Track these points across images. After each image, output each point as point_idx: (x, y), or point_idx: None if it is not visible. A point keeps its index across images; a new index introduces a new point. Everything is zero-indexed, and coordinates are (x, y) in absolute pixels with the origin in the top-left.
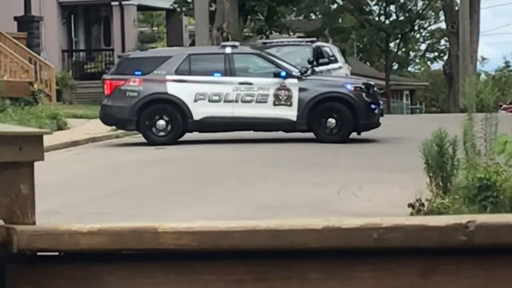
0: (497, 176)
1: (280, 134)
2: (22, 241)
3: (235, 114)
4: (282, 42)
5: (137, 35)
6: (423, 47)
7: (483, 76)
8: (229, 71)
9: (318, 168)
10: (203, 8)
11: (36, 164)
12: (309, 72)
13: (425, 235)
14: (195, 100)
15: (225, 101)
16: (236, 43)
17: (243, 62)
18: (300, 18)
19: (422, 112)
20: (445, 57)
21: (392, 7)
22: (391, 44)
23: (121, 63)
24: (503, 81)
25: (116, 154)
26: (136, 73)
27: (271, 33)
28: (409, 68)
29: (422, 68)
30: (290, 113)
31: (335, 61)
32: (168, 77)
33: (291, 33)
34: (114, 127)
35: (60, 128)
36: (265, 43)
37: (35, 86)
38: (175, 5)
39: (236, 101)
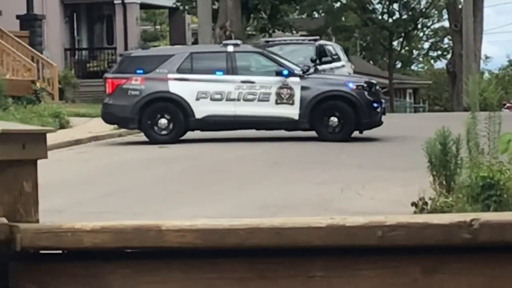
0: (501, 175)
1: (282, 132)
2: (25, 239)
3: (237, 113)
4: (285, 40)
5: (140, 33)
6: (426, 45)
7: (486, 75)
8: (231, 70)
9: (321, 167)
10: (206, 7)
11: (39, 162)
12: (311, 70)
13: (429, 233)
14: (197, 99)
15: (227, 100)
16: (238, 42)
17: (245, 61)
18: (303, 16)
19: (425, 110)
20: (449, 56)
21: (395, 6)
22: (394, 43)
23: (122, 62)
24: (506, 79)
25: (119, 153)
26: (138, 71)
27: (274, 31)
28: (412, 67)
29: (426, 67)
30: (292, 111)
31: (338, 59)
32: (170, 75)
33: (294, 32)
34: (116, 126)
35: (62, 126)
36: (268, 41)
37: (38, 84)
38: (178, 4)
39: (238, 100)
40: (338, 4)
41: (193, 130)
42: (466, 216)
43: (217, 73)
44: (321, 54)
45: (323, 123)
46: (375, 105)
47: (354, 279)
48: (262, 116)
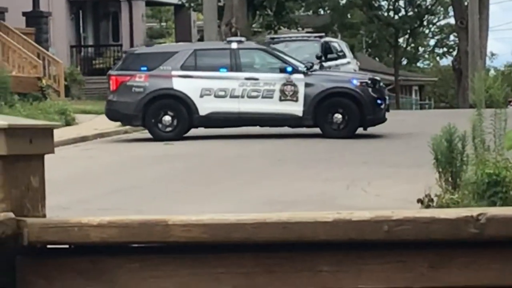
0: (507, 171)
1: (286, 129)
2: (32, 234)
3: (241, 110)
4: (291, 37)
5: (146, 30)
6: (432, 42)
7: (492, 72)
8: (235, 67)
9: (325, 164)
10: (212, 4)
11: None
12: (315, 67)
13: (435, 227)
14: (201, 96)
15: (231, 97)
16: (242, 39)
17: (249, 58)
18: (309, 13)
19: (431, 107)
20: (454, 53)
21: (401, 3)
22: (400, 40)
23: (126, 59)
24: None
25: (124, 150)
26: (142, 68)
27: (279, 28)
28: (418, 64)
29: (431, 64)
30: (296, 108)
31: (344, 56)
32: (174, 72)
33: (300, 29)
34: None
35: (68, 123)
36: (273, 38)
37: (44, 81)
38: (184, 1)
39: (242, 97)
40: (344, 1)
41: (197, 127)
42: (473, 211)
43: (221, 70)
44: (327, 51)
45: (327, 120)
46: (379, 101)
47: (361, 274)
48: (266, 113)
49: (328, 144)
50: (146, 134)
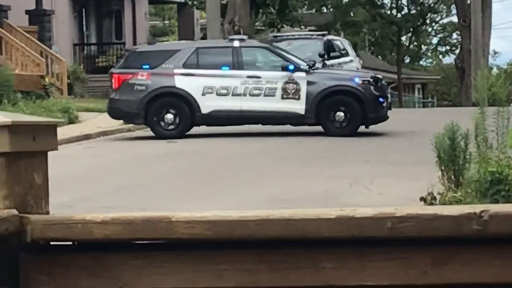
0: (509, 169)
1: (288, 127)
2: (35, 231)
3: (243, 108)
4: (293, 35)
5: (149, 28)
6: (435, 40)
7: (495, 70)
8: (237, 65)
9: (327, 162)
10: (215, 2)
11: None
12: (317, 65)
13: (438, 224)
14: (203, 94)
15: (233, 95)
16: (244, 37)
17: (251, 56)
18: (312, 11)
19: (434, 106)
20: (457, 51)
21: (404, 1)
22: (403, 38)
23: (129, 57)
24: None
25: (127, 148)
26: (144, 66)
27: (282, 26)
28: (421, 62)
29: (434, 62)
30: (298, 106)
31: (346, 54)
32: (176, 70)
33: (303, 27)
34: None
35: (71, 121)
36: (276, 36)
37: (47, 79)
38: None
39: (244, 95)
40: None
41: (199, 125)
42: (476, 208)
43: (223, 68)
44: (329, 49)
45: (329, 118)
46: (381, 99)
47: (364, 271)
48: (268, 111)
49: (330, 142)
50: (149, 132)
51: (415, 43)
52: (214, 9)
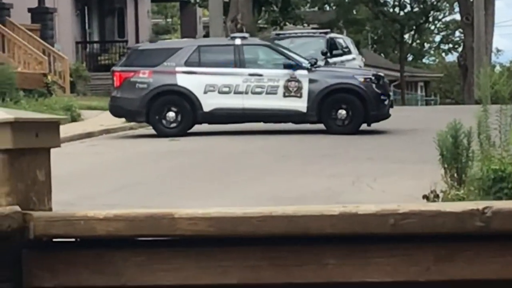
0: None
1: (290, 125)
2: (38, 227)
3: (245, 106)
4: (296, 33)
5: (151, 26)
6: (437, 38)
7: (498, 68)
8: (239, 63)
9: (330, 160)
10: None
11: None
12: (319, 63)
13: (441, 221)
14: (205, 92)
15: (235, 93)
16: (246, 35)
17: (253, 54)
18: (315, 9)
19: (437, 103)
20: (460, 49)
21: None
22: (406, 36)
23: (130, 55)
24: None
25: (130, 146)
26: (146, 64)
27: (285, 24)
28: (424, 60)
29: (437, 60)
30: (300, 104)
31: (349, 52)
32: (177, 68)
33: (305, 25)
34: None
35: (74, 119)
36: (278, 34)
37: (49, 77)
38: None
39: (246, 93)
40: None
41: (201, 123)
42: (479, 204)
43: (225, 66)
44: (332, 47)
45: (331, 115)
46: (383, 97)
47: (367, 267)
48: (270, 109)
49: (332, 140)
50: (151, 130)
51: (418, 41)
52: (216, 7)
